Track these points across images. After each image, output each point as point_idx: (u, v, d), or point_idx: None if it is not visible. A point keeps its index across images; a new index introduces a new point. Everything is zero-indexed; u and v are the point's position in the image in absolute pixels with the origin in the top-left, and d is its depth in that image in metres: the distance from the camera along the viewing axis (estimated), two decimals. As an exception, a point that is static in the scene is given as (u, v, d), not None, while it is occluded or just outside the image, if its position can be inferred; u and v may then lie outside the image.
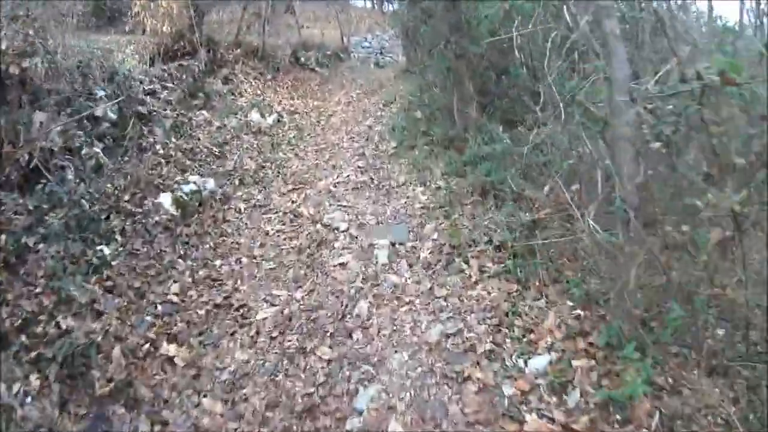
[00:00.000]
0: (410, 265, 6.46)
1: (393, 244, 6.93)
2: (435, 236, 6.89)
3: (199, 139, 10.49)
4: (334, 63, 21.25)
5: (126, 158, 8.52)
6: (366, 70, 21.82)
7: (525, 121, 9.25)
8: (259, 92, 15.17)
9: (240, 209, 8.69)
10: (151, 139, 9.71)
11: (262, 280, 6.82)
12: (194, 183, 8.56)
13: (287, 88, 16.56)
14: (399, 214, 7.73)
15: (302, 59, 19.47)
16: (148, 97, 10.99)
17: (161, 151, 9.40)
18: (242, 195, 9.10)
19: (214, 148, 10.28)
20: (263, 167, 10.24)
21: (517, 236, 6.14)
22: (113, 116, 8.93)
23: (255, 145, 11.01)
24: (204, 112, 12.30)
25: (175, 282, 6.65)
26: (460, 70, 9.33)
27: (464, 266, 6.14)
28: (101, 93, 8.98)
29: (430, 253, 6.60)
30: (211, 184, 8.86)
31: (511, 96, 9.65)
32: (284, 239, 7.73)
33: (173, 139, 10.07)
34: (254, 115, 12.66)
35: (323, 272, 6.68)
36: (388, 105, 13.64)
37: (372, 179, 9.13)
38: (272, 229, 8.05)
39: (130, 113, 9.57)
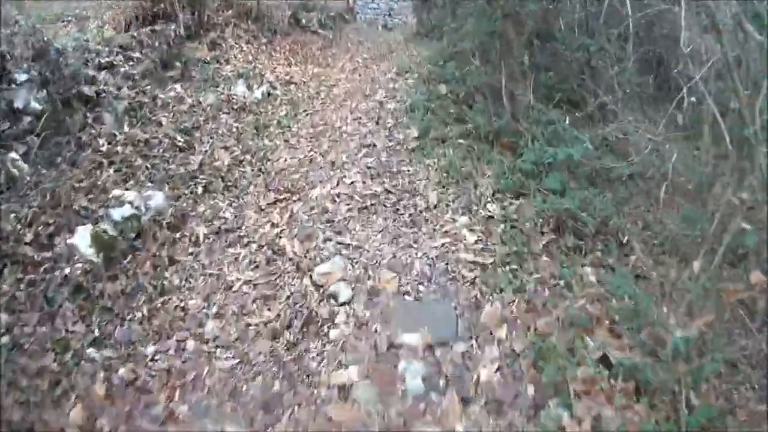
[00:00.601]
0: (465, 403, 3.39)
1: (431, 347, 3.84)
2: (502, 331, 3.84)
3: (160, 125, 7.43)
4: (339, 25, 17.95)
5: (54, 163, 5.60)
6: (373, 32, 18.56)
7: (585, 107, 6.36)
8: (250, 59, 11.98)
9: (197, 237, 5.63)
10: (96, 130, 6.74)
11: (213, 392, 3.80)
12: (130, 204, 5.50)
13: (284, 52, 13.33)
14: (436, 273, 4.60)
15: (303, 21, 16.20)
16: (103, 72, 8.05)
17: (104, 147, 6.41)
18: (204, 211, 6.05)
19: (179, 137, 7.21)
20: (240, 162, 7.13)
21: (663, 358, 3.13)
22: (38, 106, 6.01)
23: (234, 130, 7.91)
24: (177, 86, 9.22)
25: (77, 401, 3.66)
26: (508, 34, 6.22)
27: (565, 417, 3.09)
28: (23, 77, 6.10)
29: (497, 372, 3.53)
30: (158, 199, 5.80)
31: (565, 71, 6.68)
32: (254, 303, 4.63)
33: (126, 128, 7.05)
34: (239, 88, 9.54)
35: (310, 401, 3.59)
36: (402, 74, 10.43)
37: (388, 192, 6.01)
38: (239, 279, 5.00)
39: (69, 98, 6.61)
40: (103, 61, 8.39)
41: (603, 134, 5.96)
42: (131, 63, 9.03)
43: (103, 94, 7.45)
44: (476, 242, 4.82)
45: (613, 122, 5.97)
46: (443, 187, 5.79)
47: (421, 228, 5.17)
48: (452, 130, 6.76)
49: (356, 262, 4.80)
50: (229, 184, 6.47)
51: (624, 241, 4.74)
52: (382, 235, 5.11)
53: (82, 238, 4.79)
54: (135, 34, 10.22)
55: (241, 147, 7.35)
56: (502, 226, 4.92)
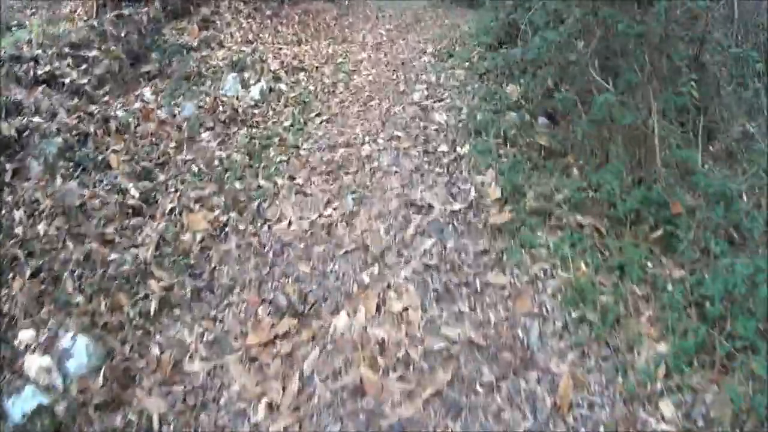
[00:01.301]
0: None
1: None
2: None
3: (109, 168, 4.47)
4: (356, -10, 14.66)
5: None
6: None
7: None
8: (250, 38, 8.88)
9: (150, 424, 2.54)
10: (13, 195, 3.91)
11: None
12: (36, 385, 2.54)
13: (293, 26, 10.18)
14: None
15: (313, -12, 12.96)
16: (39, 90, 5.36)
17: (20, 229, 3.58)
18: (158, 362, 2.89)
19: (132, 190, 4.25)
20: (220, 232, 3.97)
21: None
22: None
23: (218, 162, 4.84)
24: (148, 90, 6.28)
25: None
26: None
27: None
28: None
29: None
30: (81, 355, 2.77)
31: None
32: None
33: (58, 182, 4.08)
34: (232, 84, 6.49)
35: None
36: (441, 56, 7.27)
37: (475, 347, 2.71)
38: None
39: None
40: (41, 72, 5.50)
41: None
42: (84, 67, 6.10)
43: (28, 132, 4.53)
44: None
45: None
46: (577, 349, 2.67)
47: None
48: (557, 189, 3.63)
49: None
50: (200, 285, 3.43)
51: None
52: None
53: None
54: (96, 24, 7.19)
55: (224, 199, 4.27)
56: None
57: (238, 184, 4.49)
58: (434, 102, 5.66)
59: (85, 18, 9.24)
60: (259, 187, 4.47)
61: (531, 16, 5.34)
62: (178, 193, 4.32)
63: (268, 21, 10.05)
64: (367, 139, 5.01)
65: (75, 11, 10.01)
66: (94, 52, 6.55)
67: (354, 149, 4.88)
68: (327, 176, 4.51)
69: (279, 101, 6.24)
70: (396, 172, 4.39)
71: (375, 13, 12.40)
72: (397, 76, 6.75)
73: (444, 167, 4.37)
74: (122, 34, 7.02)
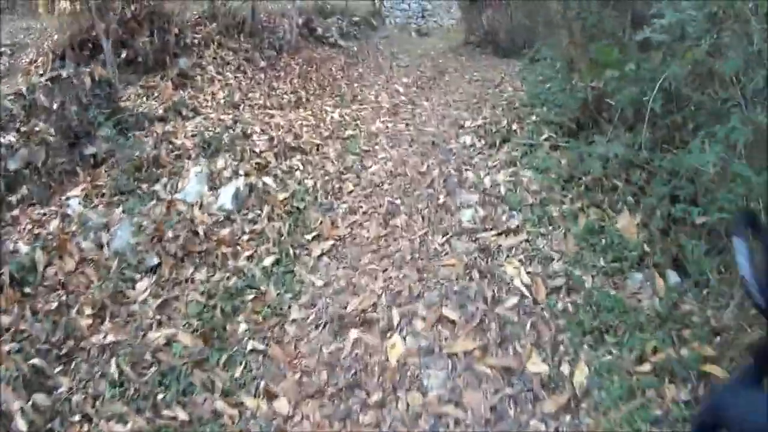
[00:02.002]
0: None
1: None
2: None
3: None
4: (364, 33, 12.82)
5: None
6: (407, 40, 13.45)
7: None
8: (236, 100, 6.98)
9: None
10: None
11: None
12: None
13: (291, 81, 8.28)
14: None
15: (319, 30, 11.09)
16: None
17: None
18: None
19: (18, 422, 2.22)
20: None
21: None
22: None
23: (149, 356, 2.79)
24: (75, 197, 4.30)
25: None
26: None
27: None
28: None
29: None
30: None
31: None
32: None
33: None
34: (193, 184, 4.45)
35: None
36: (488, 137, 4.97)
37: None
38: None
39: None
40: None
41: None
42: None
43: None
44: None
45: None
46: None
47: None
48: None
49: None
50: None
51: None
52: None
53: None
54: (25, 90, 5.27)
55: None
56: None
57: (180, 411, 2.46)
58: (499, 236, 3.43)
59: (41, 72, 7.39)
60: (215, 414, 2.44)
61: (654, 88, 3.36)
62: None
63: (262, 75, 8.14)
64: (395, 314, 2.91)
65: (35, 62, 8.15)
66: (11, 137, 4.62)
67: (373, 334, 2.79)
68: (330, 401, 2.44)
69: (261, 210, 4.21)
70: (457, 421, 2.28)
71: (389, 61, 10.51)
72: (427, 167, 4.69)
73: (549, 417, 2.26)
74: (54, 106, 5.05)
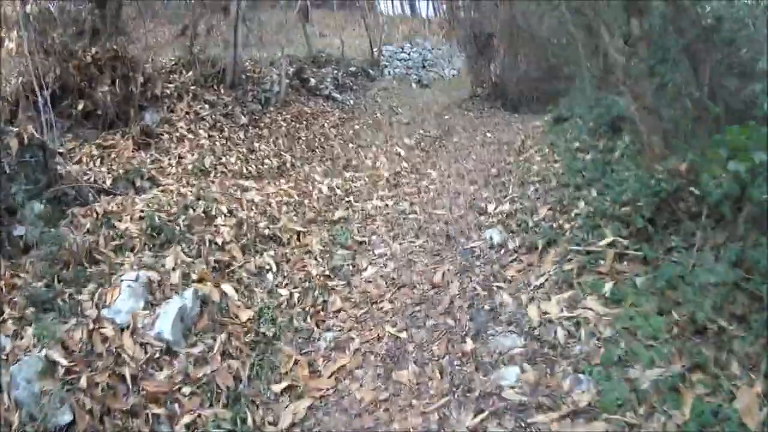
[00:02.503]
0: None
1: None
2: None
3: None
4: (361, 84, 11.77)
5: None
6: (407, 92, 12.39)
7: None
8: (206, 166, 5.84)
9: None
10: None
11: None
12: None
13: (276, 141, 7.16)
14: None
15: (312, 81, 10.02)
16: None
17: None
18: None
19: None
20: None
21: None
22: None
23: None
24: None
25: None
26: None
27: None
28: None
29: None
30: None
31: None
32: None
33: None
34: (125, 298, 3.15)
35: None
36: (530, 238, 3.60)
37: None
38: None
39: None
40: None
41: None
42: None
43: None
44: None
45: None
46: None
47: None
48: None
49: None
50: None
51: None
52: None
53: None
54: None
55: None
56: None
57: None
58: (562, 419, 2.15)
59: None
60: None
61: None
62: None
63: (241, 134, 7.01)
64: None
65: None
66: None
67: None
68: None
69: (215, 340, 2.97)
70: None
71: (388, 117, 9.42)
72: (442, 275, 3.41)
73: None
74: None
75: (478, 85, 10.67)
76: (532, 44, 10.13)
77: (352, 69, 11.86)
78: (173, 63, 7.96)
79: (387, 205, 4.92)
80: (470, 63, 11.43)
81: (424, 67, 15.12)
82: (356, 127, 8.61)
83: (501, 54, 10.15)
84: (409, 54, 15.19)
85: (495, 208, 4.34)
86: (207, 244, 3.93)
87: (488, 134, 7.59)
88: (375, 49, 13.56)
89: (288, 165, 6.27)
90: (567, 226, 3.55)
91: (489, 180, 5.25)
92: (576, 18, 5.50)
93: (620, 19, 3.84)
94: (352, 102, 10.23)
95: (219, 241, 3.99)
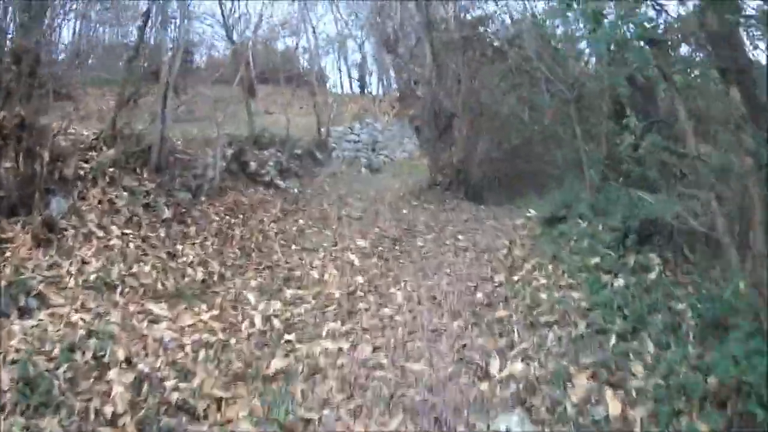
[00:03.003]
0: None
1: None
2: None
3: None
4: (308, 168, 10.80)
5: None
6: (357, 178, 11.50)
7: None
8: (116, 276, 4.59)
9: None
10: None
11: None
12: None
13: (204, 242, 6.00)
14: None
15: (252, 165, 8.95)
16: None
17: None
18: None
19: None
20: None
21: None
22: None
23: None
24: None
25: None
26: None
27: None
28: None
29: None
30: None
31: None
32: None
33: None
34: None
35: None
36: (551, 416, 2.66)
37: None
38: None
39: None
40: None
41: None
42: None
43: None
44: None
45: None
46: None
47: None
48: None
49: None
50: None
51: None
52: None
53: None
54: None
55: None
56: None
57: None
58: None
59: None
60: None
61: None
62: None
63: (163, 231, 5.83)
64: None
65: None
66: None
67: None
68: None
69: None
70: None
71: (336, 208, 8.40)
72: None
73: None
74: None
75: (438, 171, 9.72)
76: (496, 122, 9.40)
77: (298, 151, 10.88)
78: (94, 137, 6.77)
79: (341, 349, 3.75)
80: (429, 146, 10.49)
81: (374, 149, 14.31)
82: (301, 221, 7.52)
83: (464, 135, 9.30)
84: (358, 135, 14.39)
85: (501, 369, 3.22)
86: (92, 415, 2.71)
87: (460, 236, 6.59)
88: (323, 130, 12.67)
89: (215, 277, 5.09)
90: (631, 414, 2.46)
91: (478, 312, 4.15)
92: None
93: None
94: (296, 190, 9.18)
95: (109, 410, 2.77)
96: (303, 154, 11.08)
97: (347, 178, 11.29)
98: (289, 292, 4.85)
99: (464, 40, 9.51)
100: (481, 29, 9.85)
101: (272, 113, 13.60)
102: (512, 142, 9.79)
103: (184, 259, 5.39)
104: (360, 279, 5.24)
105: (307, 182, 10.00)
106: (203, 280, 4.98)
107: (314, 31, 15.46)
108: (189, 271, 5.12)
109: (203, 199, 7.18)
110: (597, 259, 3.96)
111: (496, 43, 9.60)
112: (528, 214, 6.31)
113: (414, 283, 5.04)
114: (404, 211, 8.19)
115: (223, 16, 12.63)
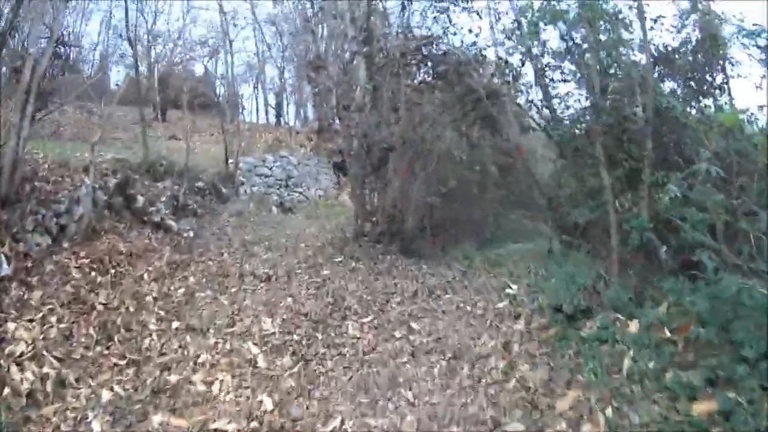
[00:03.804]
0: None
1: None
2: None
3: None
4: (209, 206, 9.16)
5: None
6: (267, 220, 9.92)
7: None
8: None
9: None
10: None
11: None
12: None
13: (46, 318, 4.31)
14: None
15: (139, 200, 7.24)
16: None
17: None
18: None
19: None
20: None
21: None
22: None
23: None
24: None
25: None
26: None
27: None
28: None
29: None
30: None
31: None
32: None
33: None
34: None
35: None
36: None
37: None
38: None
39: None
40: None
41: None
42: None
43: None
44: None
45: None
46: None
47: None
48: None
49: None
50: None
51: None
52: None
53: None
54: None
55: None
56: None
57: None
58: None
59: None
60: None
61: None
62: None
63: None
64: None
65: None
66: None
67: None
68: None
69: None
70: None
71: (239, 260, 6.87)
72: None
73: None
74: None
75: (365, 218, 8.09)
76: (433, 160, 7.89)
77: (200, 185, 9.23)
78: None
79: None
80: (357, 186, 8.63)
81: (287, 185, 12.79)
82: (191, 280, 5.94)
83: (400, 175, 7.72)
84: (271, 168, 12.82)
85: None
86: None
87: (413, 324, 5.10)
88: (231, 161, 11.03)
89: (50, 384, 3.44)
90: None
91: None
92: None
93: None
94: (192, 233, 7.55)
95: None
96: (205, 188, 9.44)
97: (255, 218, 9.69)
98: (156, 420, 3.29)
99: (407, 60, 8.10)
100: (426, 50, 8.39)
101: (180, 139, 11.81)
102: (448, 184, 8.39)
103: (12, 348, 3.71)
104: (267, 402, 3.74)
105: (206, 222, 8.36)
106: (29, 393, 3.33)
107: (231, 55, 13.91)
108: (13, 372, 3.46)
109: (66, 245, 5.48)
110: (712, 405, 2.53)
111: (442, 67, 8.20)
112: (509, 291, 5.03)
113: (356, 423, 3.56)
114: (325, 272, 6.68)
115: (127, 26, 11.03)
